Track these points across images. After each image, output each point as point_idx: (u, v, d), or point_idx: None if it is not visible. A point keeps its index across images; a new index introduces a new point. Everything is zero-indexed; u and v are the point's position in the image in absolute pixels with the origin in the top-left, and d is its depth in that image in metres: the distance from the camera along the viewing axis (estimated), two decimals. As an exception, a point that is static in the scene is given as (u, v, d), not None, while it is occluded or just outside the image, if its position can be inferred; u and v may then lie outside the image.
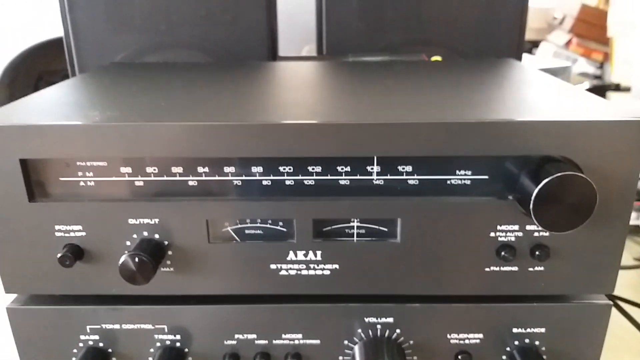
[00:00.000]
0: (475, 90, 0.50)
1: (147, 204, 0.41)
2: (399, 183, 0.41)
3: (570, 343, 0.45)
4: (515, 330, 0.45)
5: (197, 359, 0.46)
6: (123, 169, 0.41)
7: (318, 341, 0.45)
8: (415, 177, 0.41)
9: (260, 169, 0.40)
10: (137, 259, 0.39)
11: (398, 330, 0.45)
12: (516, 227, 0.41)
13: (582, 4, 2.36)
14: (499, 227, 0.41)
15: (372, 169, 0.40)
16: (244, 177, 0.41)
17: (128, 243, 0.42)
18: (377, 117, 0.40)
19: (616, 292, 0.62)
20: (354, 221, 0.42)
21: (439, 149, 0.39)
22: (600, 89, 1.98)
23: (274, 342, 0.45)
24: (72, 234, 0.42)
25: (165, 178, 0.41)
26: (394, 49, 0.73)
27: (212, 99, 0.48)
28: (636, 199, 0.85)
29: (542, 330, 0.44)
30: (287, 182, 0.41)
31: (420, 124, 0.38)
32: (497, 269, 0.42)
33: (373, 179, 0.41)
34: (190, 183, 0.41)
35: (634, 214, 0.82)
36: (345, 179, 0.41)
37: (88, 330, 0.45)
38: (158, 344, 0.45)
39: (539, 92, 0.49)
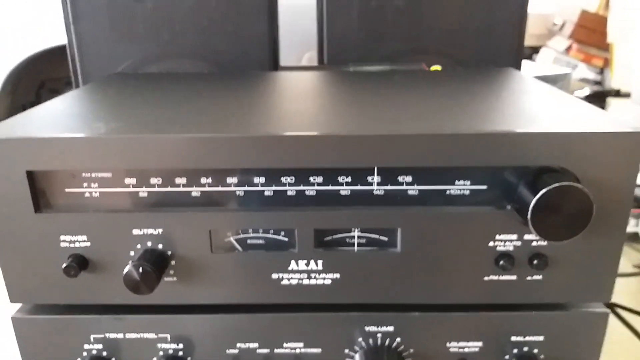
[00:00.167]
0: (474, 100, 0.51)
1: (151, 215, 0.41)
2: (399, 193, 0.41)
3: (568, 351, 0.45)
4: (514, 338, 0.45)
5: (199, 368, 0.46)
6: (127, 180, 0.41)
7: (319, 350, 0.46)
8: (415, 187, 0.41)
9: (262, 179, 0.41)
10: (141, 269, 0.40)
11: (398, 339, 0.45)
12: (515, 237, 0.41)
13: (582, 10, 2.37)
14: (497, 237, 0.41)
15: (372, 179, 0.41)
16: (246, 188, 0.41)
17: (132, 253, 0.42)
18: (378, 128, 0.40)
19: (615, 299, 0.63)
20: (354, 231, 0.43)
21: (438, 159, 0.39)
22: (601, 95, 1.99)
23: (276, 350, 0.46)
24: (77, 245, 0.42)
25: (168, 189, 0.41)
26: (394, 58, 0.74)
27: (215, 110, 0.49)
28: (635, 206, 0.85)
29: (541, 338, 0.45)
30: (289, 193, 0.41)
31: (420, 136, 0.39)
32: (496, 277, 0.43)
33: (373, 190, 0.41)
34: (194, 194, 0.41)
35: (633, 221, 0.83)
36: (346, 189, 0.41)
37: (92, 340, 0.46)
38: (161, 353, 0.46)
39: (538, 102, 0.50)
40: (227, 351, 0.46)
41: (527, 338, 0.45)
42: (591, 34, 2.34)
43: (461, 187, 0.41)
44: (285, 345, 0.46)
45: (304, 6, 0.85)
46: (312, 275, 0.43)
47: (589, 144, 0.38)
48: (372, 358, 0.45)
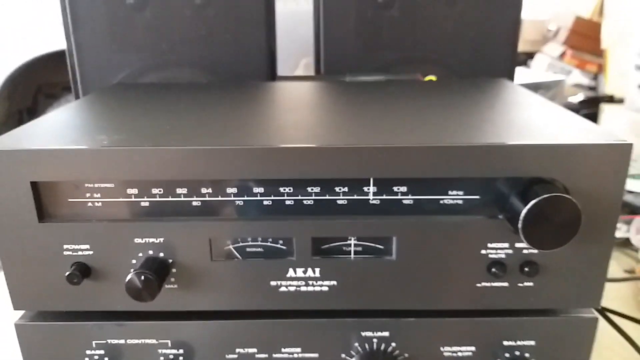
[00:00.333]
0: (468, 112, 0.52)
1: (152, 224, 0.43)
2: (394, 203, 0.42)
3: (559, 355, 0.46)
4: (506, 343, 0.46)
5: (199, 373, 0.47)
6: (129, 190, 0.42)
7: (316, 355, 0.47)
8: (410, 197, 0.42)
9: (261, 189, 0.42)
10: (143, 277, 0.41)
11: (393, 344, 0.46)
12: (506, 245, 0.43)
13: (576, 16, 2.39)
14: (489, 245, 0.43)
15: (368, 189, 0.42)
16: (245, 198, 0.42)
17: (134, 261, 0.43)
18: (374, 140, 0.41)
19: (607, 304, 0.64)
20: (351, 239, 0.44)
21: (432, 170, 0.40)
22: (594, 101, 2.01)
23: (274, 356, 0.47)
24: (79, 253, 0.43)
25: (170, 199, 0.42)
26: (390, 68, 0.75)
27: (214, 122, 0.50)
28: (626, 212, 0.87)
29: (532, 342, 0.46)
30: (287, 202, 0.42)
31: (415, 148, 0.40)
32: (488, 284, 0.44)
33: (369, 199, 0.42)
34: (194, 203, 0.43)
35: (624, 227, 0.84)
36: (342, 199, 0.42)
37: (94, 346, 0.46)
38: (162, 358, 0.47)
39: (528, 114, 0.51)
40: (227, 356, 0.47)
41: (519, 343, 0.46)
42: (585, 40, 2.36)
43: (454, 197, 0.42)
44: (283, 350, 0.47)
45: (301, 13, 0.86)
46: (310, 282, 0.44)
47: (578, 155, 0.40)
48: (368, 363, 0.46)
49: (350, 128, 0.47)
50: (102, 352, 0.47)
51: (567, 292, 0.44)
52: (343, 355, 0.47)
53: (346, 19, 0.74)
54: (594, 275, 0.43)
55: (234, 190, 0.42)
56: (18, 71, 1.58)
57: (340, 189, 0.42)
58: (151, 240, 0.43)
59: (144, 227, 0.43)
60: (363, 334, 0.46)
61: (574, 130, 0.44)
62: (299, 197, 0.42)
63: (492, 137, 0.42)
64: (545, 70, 2.35)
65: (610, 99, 2.03)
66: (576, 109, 1.92)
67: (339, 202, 0.42)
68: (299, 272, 0.44)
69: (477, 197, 0.42)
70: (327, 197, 0.42)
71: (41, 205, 0.42)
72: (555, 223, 0.38)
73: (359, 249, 0.44)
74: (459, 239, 0.43)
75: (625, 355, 0.58)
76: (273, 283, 0.44)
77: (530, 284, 0.44)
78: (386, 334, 0.46)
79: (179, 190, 0.42)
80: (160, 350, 0.47)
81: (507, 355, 0.46)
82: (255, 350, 0.47)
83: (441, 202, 0.42)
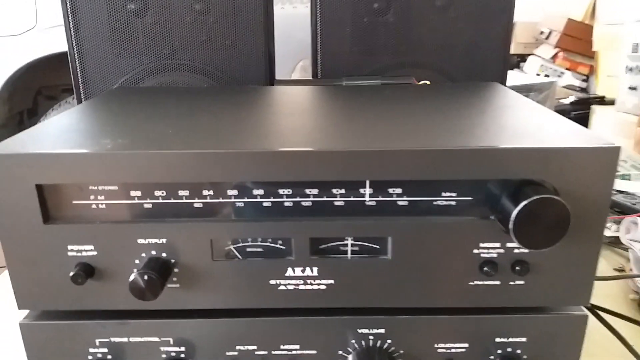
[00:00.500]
0: (461, 115, 0.53)
1: (155, 225, 0.44)
2: (389, 204, 0.44)
3: (550, 351, 0.47)
4: (498, 340, 0.47)
5: (200, 370, 0.48)
6: (133, 192, 0.43)
7: (314, 351, 0.48)
8: (405, 198, 0.43)
9: (260, 191, 0.43)
10: (146, 277, 0.42)
11: (389, 341, 0.47)
12: (498, 245, 0.44)
13: (568, 19, 2.41)
14: (481, 245, 0.44)
15: (364, 191, 0.43)
16: (245, 200, 0.44)
17: (137, 261, 0.44)
18: (369, 144, 0.43)
19: (597, 302, 0.65)
20: (348, 239, 0.45)
21: (426, 173, 0.41)
22: (586, 102, 2.03)
23: (273, 352, 0.48)
24: (84, 254, 0.44)
25: (172, 201, 0.43)
26: (386, 72, 0.77)
27: (215, 126, 0.51)
28: (616, 212, 0.88)
29: (523, 339, 0.47)
30: (286, 204, 0.44)
31: (409, 151, 0.41)
32: (481, 283, 0.45)
33: (366, 201, 0.44)
34: (196, 205, 0.44)
35: (613, 226, 0.86)
36: (339, 201, 0.44)
37: (97, 344, 0.47)
38: (164, 356, 0.48)
39: (520, 117, 0.52)
40: (227, 353, 0.48)
41: (511, 339, 0.47)
42: (577, 42, 2.38)
43: (448, 198, 0.43)
44: (282, 347, 0.48)
45: (298, 15, 0.88)
46: (308, 281, 0.45)
47: (567, 158, 0.41)
48: (364, 359, 0.47)
49: (346, 132, 0.49)
50: (105, 350, 0.47)
51: (557, 291, 0.45)
52: (340, 352, 0.48)
53: (342, 24, 0.76)
54: (583, 274, 0.45)
55: (235, 192, 0.43)
56: (18, 73, 1.59)
57: (337, 191, 0.43)
58: (154, 241, 0.44)
59: (146, 228, 0.44)
60: (359, 331, 0.47)
61: (564, 134, 0.45)
62: (298, 199, 0.43)
63: (484, 140, 0.43)
64: (538, 72, 2.38)
65: (601, 100, 2.05)
66: (568, 110, 1.94)
67: (336, 203, 0.44)
68: (298, 271, 0.45)
69: (470, 198, 0.43)
70: (325, 199, 0.43)
71: (46, 208, 0.43)
72: (545, 223, 0.39)
73: (356, 248, 0.45)
74: (452, 239, 0.44)
75: (614, 351, 0.59)
76: (272, 282, 0.45)
77: (521, 282, 0.45)
78: (382, 331, 0.47)
79: (181, 193, 0.43)
80: (162, 348, 0.47)
81: (499, 351, 0.47)
82: (255, 347, 0.48)
83: (435, 203, 0.44)
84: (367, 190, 0.43)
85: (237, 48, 0.74)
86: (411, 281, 0.45)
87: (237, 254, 0.45)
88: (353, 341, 0.48)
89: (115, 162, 0.41)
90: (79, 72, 0.74)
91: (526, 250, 0.44)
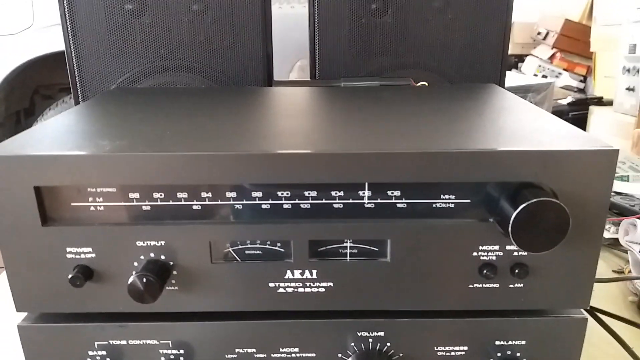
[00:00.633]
0: (458, 118, 0.53)
1: (153, 227, 0.43)
2: (388, 207, 0.44)
3: (549, 354, 0.47)
4: (497, 342, 0.47)
5: (199, 373, 0.48)
6: (131, 195, 0.43)
7: (313, 354, 0.48)
8: (404, 201, 0.43)
9: (259, 194, 0.43)
10: (144, 279, 0.42)
11: (388, 344, 0.47)
12: (497, 247, 0.44)
13: (565, 19, 2.42)
14: (480, 247, 0.44)
15: (363, 193, 0.43)
16: (244, 202, 0.43)
17: (135, 264, 0.44)
18: (368, 146, 0.43)
19: (596, 304, 0.65)
20: (347, 242, 0.45)
21: (425, 175, 0.42)
22: (583, 102, 2.03)
23: (272, 355, 0.48)
24: (82, 256, 0.44)
25: (170, 203, 0.43)
26: (383, 73, 0.77)
27: (213, 128, 0.51)
28: (615, 213, 0.88)
29: (523, 342, 0.47)
30: (285, 206, 0.44)
31: (408, 153, 0.41)
32: (480, 285, 0.45)
33: (364, 203, 0.44)
34: (194, 207, 0.44)
35: (612, 228, 0.86)
36: (338, 203, 0.44)
37: (96, 347, 0.47)
38: (163, 359, 0.48)
39: (518, 120, 0.52)
40: (226, 356, 0.48)
41: (510, 342, 0.47)
42: (574, 43, 2.38)
43: (446, 201, 0.43)
44: (281, 350, 0.48)
45: (296, 15, 0.88)
46: (307, 283, 0.45)
47: (565, 160, 0.41)
48: (364, 362, 0.47)
49: (345, 134, 0.48)
50: (104, 352, 0.47)
51: (556, 293, 0.45)
52: (340, 355, 0.48)
53: (340, 25, 0.76)
54: (582, 277, 0.45)
55: (233, 194, 0.43)
56: (15, 72, 1.58)
57: (336, 193, 0.43)
58: (152, 243, 0.44)
59: (145, 230, 0.44)
60: (359, 334, 0.47)
61: (562, 136, 0.45)
62: (297, 201, 0.43)
63: (483, 143, 0.43)
64: (535, 72, 2.38)
65: (599, 101, 2.05)
66: (565, 110, 1.94)
67: (335, 206, 0.44)
68: (297, 274, 0.45)
69: (468, 201, 0.43)
70: (324, 201, 0.43)
71: (44, 210, 0.43)
72: (544, 226, 0.39)
73: (355, 251, 0.45)
74: (451, 242, 0.44)
75: (613, 353, 0.59)
76: (271, 285, 0.45)
77: (521, 285, 0.45)
78: (381, 334, 0.47)
79: (179, 195, 0.43)
80: (161, 351, 0.47)
81: (498, 354, 0.47)
82: (254, 350, 0.48)
83: (434, 205, 0.44)
84: (366, 193, 0.43)
85: (235, 48, 0.74)
86: (410, 284, 0.45)
87: (235, 256, 0.45)
88: (352, 344, 0.48)
89: (114, 164, 0.41)
90: (76, 72, 0.74)
91: (525, 253, 0.44)
